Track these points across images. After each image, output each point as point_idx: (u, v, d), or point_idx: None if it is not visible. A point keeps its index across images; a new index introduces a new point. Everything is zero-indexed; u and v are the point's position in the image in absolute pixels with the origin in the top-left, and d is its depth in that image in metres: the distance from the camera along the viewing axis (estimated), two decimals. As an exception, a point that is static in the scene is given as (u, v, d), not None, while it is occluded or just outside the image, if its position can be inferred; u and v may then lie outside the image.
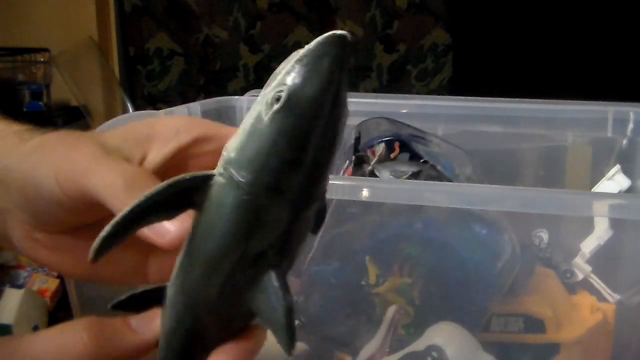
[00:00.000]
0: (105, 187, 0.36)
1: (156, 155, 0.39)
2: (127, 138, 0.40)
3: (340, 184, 0.58)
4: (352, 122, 0.82)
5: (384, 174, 0.70)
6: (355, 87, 2.47)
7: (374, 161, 0.72)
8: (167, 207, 0.33)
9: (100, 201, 0.36)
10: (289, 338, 0.33)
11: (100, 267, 0.39)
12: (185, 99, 2.37)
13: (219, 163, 0.33)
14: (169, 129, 0.40)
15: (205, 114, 0.85)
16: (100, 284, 0.49)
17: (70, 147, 0.38)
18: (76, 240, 0.40)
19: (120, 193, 0.35)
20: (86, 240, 0.40)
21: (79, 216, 0.39)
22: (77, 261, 0.41)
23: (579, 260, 0.71)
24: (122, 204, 0.34)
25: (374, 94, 1.04)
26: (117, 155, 0.38)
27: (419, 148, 0.74)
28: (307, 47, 0.30)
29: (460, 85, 2.48)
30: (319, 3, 2.52)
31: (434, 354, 0.63)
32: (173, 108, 0.82)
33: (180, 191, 0.32)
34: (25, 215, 0.39)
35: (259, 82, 2.48)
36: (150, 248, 0.40)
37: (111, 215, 0.36)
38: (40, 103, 1.93)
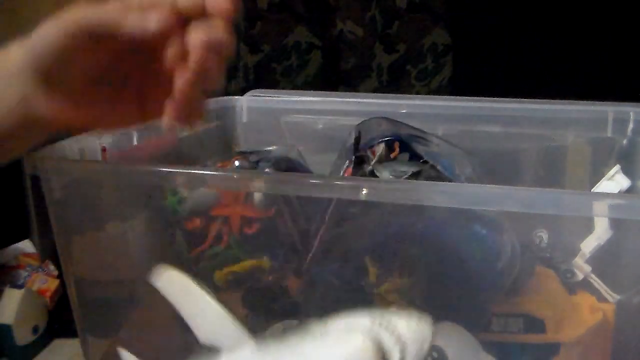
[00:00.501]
0: None
1: None
2: None
3: (340, 184, 0.58)
4: (352, 122, 0.82)
5: (384, 174, 0.70)
6: (355, 87, 2.46)
7: (374, 161, 0.72)
8: None
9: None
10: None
11: (99, 112, 0.46)
12: (185, 99, 2.36)
13: None
14: None
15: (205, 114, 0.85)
16: (103, 131, 0.64)
17: None
18: (82, 96, 0.46)
19: None
20: (91, 98, 0.46)
21: (81, 60, 0.44)
22: (79, 112, 0.46)
23: (579, 260, 0.71)
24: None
25: (374, 94, 1.04)
26: None
27: (419, 148, 0.74)
28: None
29: (460, 85, 2.48)
30: (319, 3, 2.52)
31: (434, 354, 0.63)
32: (173, 108, 0.82)
33: None
34: (37, 80, 0.45)
35: (259, 82, 2.48)
36: (145, 89, 0.47)
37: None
38: (40, 103, 1.93)
